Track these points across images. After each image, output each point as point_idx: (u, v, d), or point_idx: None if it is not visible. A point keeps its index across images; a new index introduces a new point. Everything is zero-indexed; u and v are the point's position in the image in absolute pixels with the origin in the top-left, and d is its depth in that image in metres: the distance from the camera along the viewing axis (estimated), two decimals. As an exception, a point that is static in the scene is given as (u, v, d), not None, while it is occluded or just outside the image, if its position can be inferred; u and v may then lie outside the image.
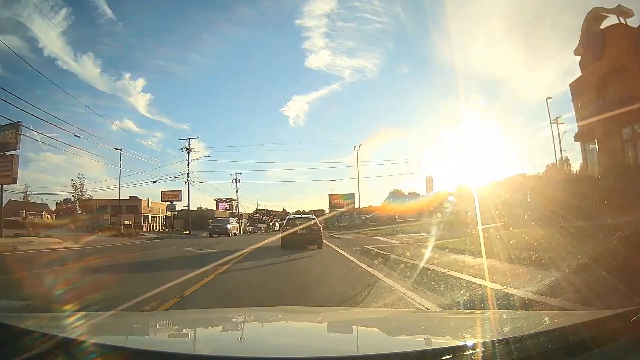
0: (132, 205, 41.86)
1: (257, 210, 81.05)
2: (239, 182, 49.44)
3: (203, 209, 52.77)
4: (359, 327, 1.56)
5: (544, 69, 43.47)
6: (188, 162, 35.07)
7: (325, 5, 64.77)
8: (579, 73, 13.70)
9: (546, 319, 1.33)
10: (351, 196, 40.63)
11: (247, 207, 71.60)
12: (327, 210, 64.54)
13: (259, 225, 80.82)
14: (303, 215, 15.45)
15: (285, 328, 1.56)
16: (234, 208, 62.45)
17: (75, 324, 1.27)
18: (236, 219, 52.05)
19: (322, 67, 75.87)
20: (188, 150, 35.34)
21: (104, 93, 59.28)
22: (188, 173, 34.83)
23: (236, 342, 1.27)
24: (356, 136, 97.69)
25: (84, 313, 1.76)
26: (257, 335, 1.40)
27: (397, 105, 73.84)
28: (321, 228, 12.78)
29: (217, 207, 58.42)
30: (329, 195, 42.29)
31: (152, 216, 47.83)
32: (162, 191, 42.06)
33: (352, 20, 64.79)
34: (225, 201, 56.70)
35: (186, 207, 54.74)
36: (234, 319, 1.80)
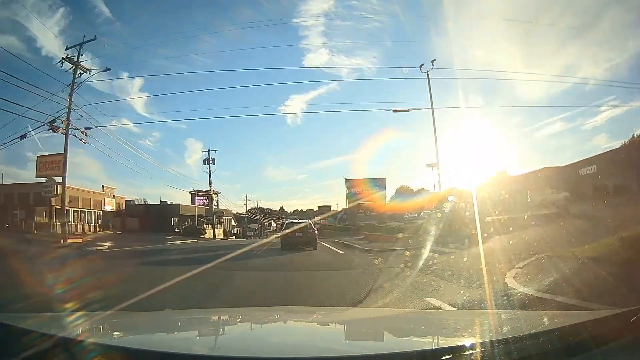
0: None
1: (250, 209, 76.21)
2: (213, 163, 41.90)
3: (169, 203, 46.70)
4: (359, 327, 1.82)
5: (543, 68, 49.55)
6: (72, 88, 20.52)
7: (323, 4, 71.74)
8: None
9: (546, 319, 1.56)
10: (379, 182, 34.16)
11: (241, 206, 69.73)
12: (336, 207, 57.17)
13: (251, 226, 76.81)
14: (300, 220, 19.44)
15: (285, 328, 1.82)
16: (214, 202, 54.65)
17: (75, 324, 1.52)
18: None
19: (320, 66, 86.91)
20: (74, 64, 20.80)
21: (102, 92, 65.77)
22: (69, 112, 20.37)
23: (236, 342, 1.49)
24: (354, 134, 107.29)
25: (84, 313, 2.02)
26: (257, 335, 1.65)
27: (396, 104, 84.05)
28: (316, 231, 16.89)
29: (192, 202, 53.35)
30: (347, 180, 35.19)
31: (78, 210, 34.93)
32: (38, 156, 27.06)
33: (350, 19, 72.96)
34: (203, 193, 49.83)
35: (145, 202, 45.28)
36: (234, 319, 2.09)
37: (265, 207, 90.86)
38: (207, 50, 73.15)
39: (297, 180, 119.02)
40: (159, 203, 47.59)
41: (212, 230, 45.93)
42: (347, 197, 35.92)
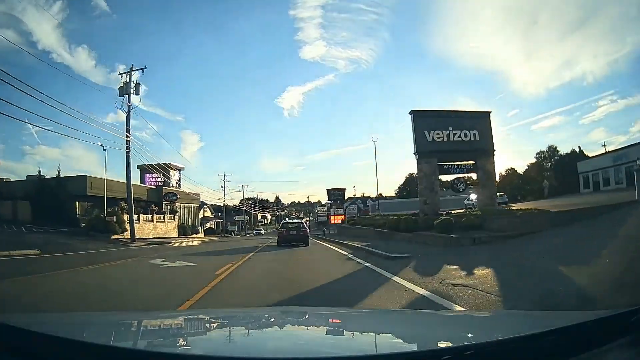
0: None
1: (243, 199, 74.09)
2: (137, 92, 31.34)
3: (85, 176, 36.45)
4: (358, 327, 2.16)
5: (542, 61, 62.02)
6: None
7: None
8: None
9: (547, 319, 1.83)
10: (480, 121, 22.34)
11: (235, 198, 65.90)
12: (353, 191, 57.55)
13: (237, 219, 72.40)
14: (295, 220, 28.08)
15: (284, 328, 2.16)
16: (174, 182, 49.94)
17: (73, 324, 1.78)
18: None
19: (317, 58, 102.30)
20: None
21: (98, 85, 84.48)
22: None
23: (235, 342, 1.77)
24: (352, 127, 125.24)
25: (82, 312, 2.40)
26: (256, 335, 1.94)
27: (392, 95, 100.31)
28: (308, 230, 23.75)
29: (142, 181, 47.11)
30: (415, 115, 21.83)
31: None
32: None
33: (346, 11, 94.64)
34: (159, 170, 43.74)
35: (39, 176, 36.12)
36: (233, 319, 2.44)
37: (254, 196, 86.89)
38: (203, 42, 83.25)
39: (293, 172, 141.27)
40: (55, 177, 36.25)
41: (149, 223, 37.44)
42: (417, 154, 21.89)
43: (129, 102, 30.51)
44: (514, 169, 61.05)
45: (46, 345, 1.35)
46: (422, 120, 23.05)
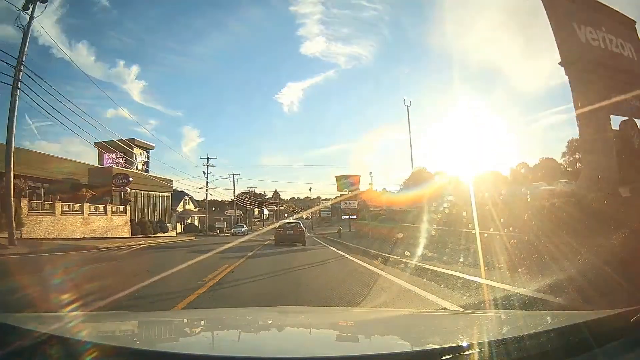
0: None
1: (240, 194, 67.74)
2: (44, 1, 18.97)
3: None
4: (358, 327, 2.31)
5: (541, 59, 60.79)
6: None
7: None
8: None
9: (547, 319, 2.04)
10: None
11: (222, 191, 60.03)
12: (370, 178, 53.65)
13: (228, 213, 65.88)
14: (292, 221, 30.14)
15: (285, 328, 2.32)
16: (139, 164, 41.45)
17: (71, 323, 1.89)
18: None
19: (317, 54, 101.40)
20: None
21: (99, 81, 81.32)
22: None
23: (236, 342, 1.88)
24: (352, 123, 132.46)
25: (81, 313, 2.82)
26: (256, 335, 2.11)
27: (393, 93, 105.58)
28: (305, 229, 26.45)
29: (99, 161, 39.35)
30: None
31: None
32: None
33: (347, 7, 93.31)
34: (120, 147, 36.73)
35: None
36: (234, 319, 2.67)
37: (249, 189, 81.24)
38: (203, 38, 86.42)
39: (293, 168, 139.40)
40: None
41: (76, 216, 27.34)
42: (565, 65, 14.06)
43: (32, 13, 19.65)
44: (552, 158, 55.10)
45: (44, 344, 1.37)
46: (568, 6, 13.56)
